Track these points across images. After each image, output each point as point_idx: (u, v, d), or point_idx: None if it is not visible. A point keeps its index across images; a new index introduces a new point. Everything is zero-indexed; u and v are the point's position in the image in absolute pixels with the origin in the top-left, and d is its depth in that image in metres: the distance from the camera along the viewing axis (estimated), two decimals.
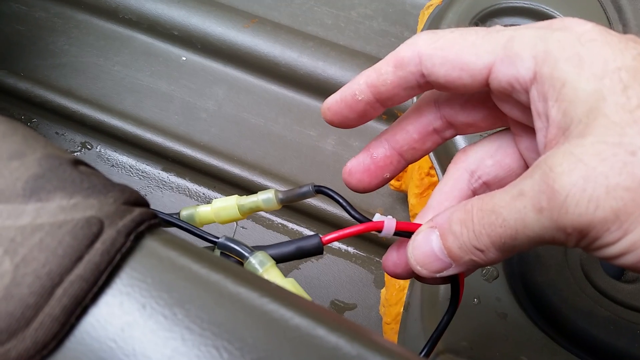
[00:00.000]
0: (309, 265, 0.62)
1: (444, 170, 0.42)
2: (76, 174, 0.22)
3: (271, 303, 0.20)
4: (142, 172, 0.68)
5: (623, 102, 0.23)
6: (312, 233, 0.64)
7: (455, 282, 0.32)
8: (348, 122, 0.31)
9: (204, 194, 0.67)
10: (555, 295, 0.44)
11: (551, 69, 0.24)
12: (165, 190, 0.67)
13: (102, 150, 0.70)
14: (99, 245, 0.20)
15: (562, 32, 0.25)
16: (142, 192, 0.66)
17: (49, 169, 0.22)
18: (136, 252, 0.21)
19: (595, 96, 0.23)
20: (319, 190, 0.33)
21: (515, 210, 0.24)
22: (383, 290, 0.57)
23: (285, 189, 0.35)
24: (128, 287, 0.20)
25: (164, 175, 0.68)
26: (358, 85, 0.30)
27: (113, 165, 0.68)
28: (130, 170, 0.68)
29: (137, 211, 0.22)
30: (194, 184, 0.68)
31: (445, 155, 0.53)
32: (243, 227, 0.65)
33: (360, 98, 0.30)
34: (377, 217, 0.31)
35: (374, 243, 0.63)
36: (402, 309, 0.49)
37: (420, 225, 0.30)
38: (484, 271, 0.46)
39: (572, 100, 0.24)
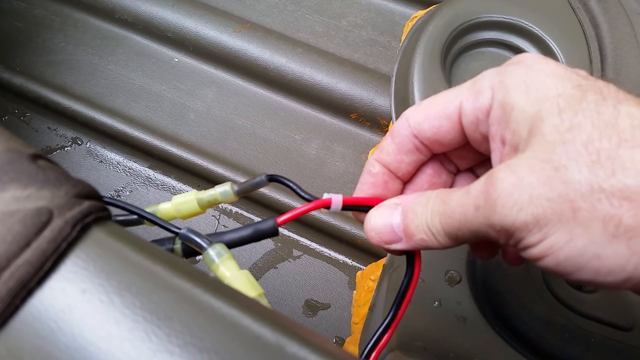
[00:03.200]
0: (286, 265, 0.63)
1: None
2: (33, 167, 0.24)
3: (203, 294, 0.22)
4: (129, 169, 0.70)
5: (557, 124, 0.26)
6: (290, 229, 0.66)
7: (410, 260, 0.34)
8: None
9: (188, 192, 0.69)
10: (515, 302, 0.46)
11: (503, 95, 0.28)
12: (150, 187, 0.69)
13: (92, 146, 0.72)
14: (47, 234, 0.22)
15: (516, 65, 0.29)
16: (128, 188, 0.68)
17: (7, 162, 0.24)
18: (82, 241, 0.23)
19: (536, 117, 0.26)
20: (272, 179, 0.35)
21: (460, 205, 0.28)
22: (355, 292, 0.59)
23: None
24: (71, 273, 0.22)
25: (150, 172, 0.70)
26: (369, 163, 0.35)
27: (101, 161, 0.70)
28: (117, 167, 0.70)
29: (86, 204, 0.23)
30: (179, 182, 0.69)
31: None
32: (225, 226, 0.66)
33: (375, 171, 0.34)
34: (326, 196, 0.33)
35: (350, 246, 0.64)
36: (368, 309, 0.50)
37: (365, 199, 0.34)
38: (446, 275, 0.47)
39: (519, 122, 0.27)
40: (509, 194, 0.25)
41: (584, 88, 0.26)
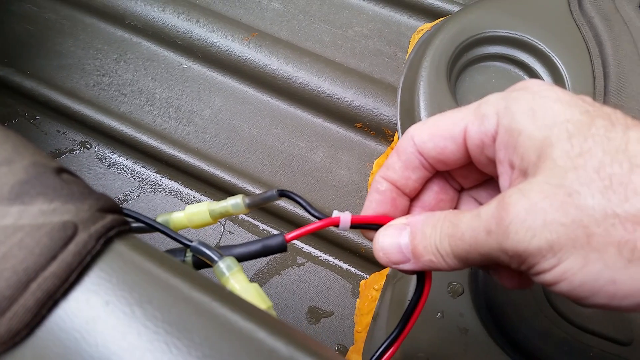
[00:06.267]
0: (290, 272, 0.64)
1: None
2: (58, 181, 0.25)
3: (220, 307, 0.23)
4: (137, 174, 0.71)
5: (568, 149, 0.26)
6: None
7: (421, 279, 0.35)
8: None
9: (195, 197, 0.70)
10: (516, 314, 0.47)
11: (509, 121, 0.28)
12: (158, 192, 0.70)
13: (101, 150, 0.73)
14: (72, 247, 0.23)
15: (521, 91, 0.29)
16: (136, 193, 0.69)
17: (34, 176, 0.25)
18: (105, 254, 0.24)
19: (545, 142, 0.27)
20: (282, 194, 0.36)
21: (471, 229, 0.28)
22: (358, 301, 0.60)
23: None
24: (95, 285, 0.23)
25: (157, 177, 0.71)
26: (376, 181, 0.35)
27: (110, 165, 0.71)
28: (125, 171, 0.71)
29: (109, 218, 0.24)
30: (186, 188, 0.70)
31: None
32: (230, 232, 0.67)
33: (382, 189, 0.34)
34: (335, 214, 0.34)
35: (354, 254, 0.65)
36: (372, 319, 0.51)
37: (374, 217, 0.34)
38: (449, 287, 0.48)
39: (527, 147, 0.27)
40: (522, 219, 0.25)
41: (592, 114, 0.27)
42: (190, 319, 0.22)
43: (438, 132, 0.32)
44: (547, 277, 0.26)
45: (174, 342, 0.21)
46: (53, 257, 0.22)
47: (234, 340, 0.22)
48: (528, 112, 0.28)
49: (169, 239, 0.36)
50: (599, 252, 0.24)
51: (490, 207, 0.27)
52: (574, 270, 0.25)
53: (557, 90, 0.29)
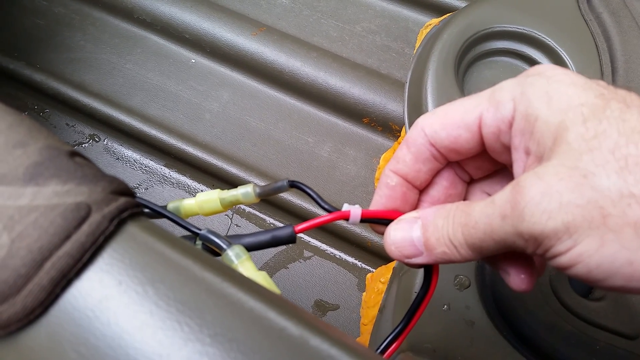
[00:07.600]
0: (297, 266, 0.65)
1: None
2: (71, 164, 0.25)
3: (230, 287, 0.23)
4: (145, 167, 0.71)
5: (582, 132, 0.26)
6: None
7: (428, 273, 0.35)
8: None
9: (202, 191, 0.70)
10: (522, 308, 0.47)
11: (526, 107, 0.28)
12: (166, 186, 0.70)
13: (109, 143, 0.73)
14: (85, 227, 0.23)
15: (536, 76, 0.29)
16: (144, 186, 0.70)
17: (48, 158, 0.25)
18: (118, 235, 0.24)
19: (561, 127, 0.26)
20: (293, 185, 0.36)
21: (485, 215, 0.28)
22: (364, 294, 0.60)
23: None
24: (108, 265, 0.23)
25: (166, 171, 0.71)
26: (386, 176, 0.34)
27: (118, 159, 0.72)
28: (134, 164, 0.71)
29: (122, 200, 0.25)
30: (193, 181, 0.71)
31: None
32: (237, 225, 0.68)
33: (393, 184, 0.34)
34: (346, 207, 0.34)
35: (360, 248, 0.65)
36: (378, 311, 0.52)
37: (384, 212, 0.34)
38: (456, 280, 0.48)
39: (544, 133, 0.27)
40: (538, 202, 0.25)
41: (606, 97, 0.26)
42: (201, 298, 0.22)
43: (451, 121, 0.32)
44: (563, 259, 0.25)
45: (185, 321, 0.22)
46: (67, 237, 0.23)
47: (245, 319, 0.22)
48: (544, 96, 0.28)
49: (179, 228, 0.36)
50: (616, 232, 0.24)
51: (505, 193, 0.27)
52: (590, 252, 0.24)
53: (571, 74, 0.28)
